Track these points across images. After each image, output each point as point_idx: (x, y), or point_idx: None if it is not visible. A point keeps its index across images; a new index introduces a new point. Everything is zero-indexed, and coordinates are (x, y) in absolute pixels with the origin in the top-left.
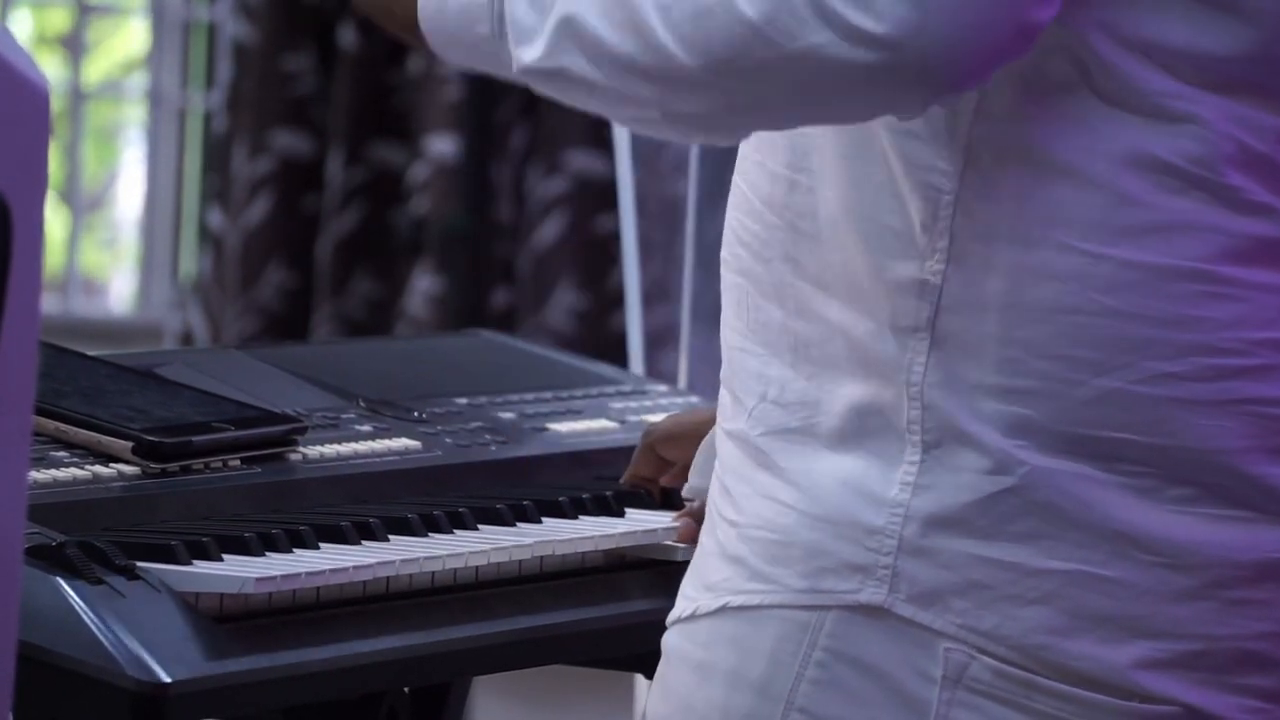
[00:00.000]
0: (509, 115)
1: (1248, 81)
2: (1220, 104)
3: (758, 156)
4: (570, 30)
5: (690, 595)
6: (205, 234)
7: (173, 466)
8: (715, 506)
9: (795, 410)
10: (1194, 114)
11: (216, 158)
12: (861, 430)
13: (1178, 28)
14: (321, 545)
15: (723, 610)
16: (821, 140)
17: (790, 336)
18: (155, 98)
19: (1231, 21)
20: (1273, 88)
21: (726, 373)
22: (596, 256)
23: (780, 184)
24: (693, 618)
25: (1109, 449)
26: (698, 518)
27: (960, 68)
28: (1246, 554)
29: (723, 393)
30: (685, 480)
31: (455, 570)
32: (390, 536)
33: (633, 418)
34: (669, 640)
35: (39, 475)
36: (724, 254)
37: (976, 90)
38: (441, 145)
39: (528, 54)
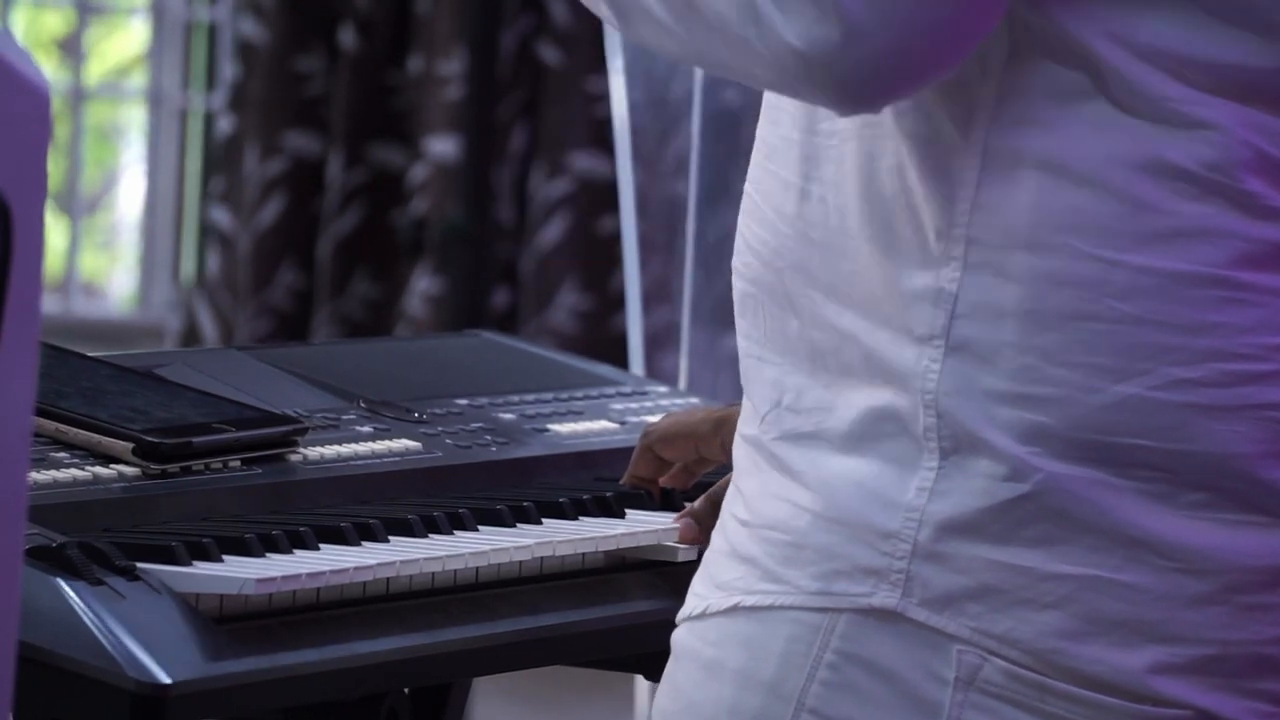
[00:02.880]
0: (509, 116)
1: (1263, 88)
2: (1237, 110)
3: (770, 165)
4: None
5: (701, 593)
6: (213, 235)
7: (173, 467)
8: (728, 507)
9: (811, 415)
10: (1211, 120)
11: (225, 159)
12: (877, 435)
13: (1190, 37)
14: (322, 546)
15: (734, 610)
16: (835, 150)
17: (805, 344)
18: (156, 98)
19: (1239, 31)
20: None
21: (744, 380)
22: (599, 258)
23: (793, 193)
24: (703, 616)
25: (1125, 455)
26: (698, 519)
27: (886, 85)
28: (1261, 559)
29: (744, 399)
30: (684, 481)
31: (455, 571)
32: (390, 537)
33: (633, 419)
34: (678, 637)
35: (39, 476)
36: (735, 262)
37: (992, 98)
38: (442, 146)
39: None
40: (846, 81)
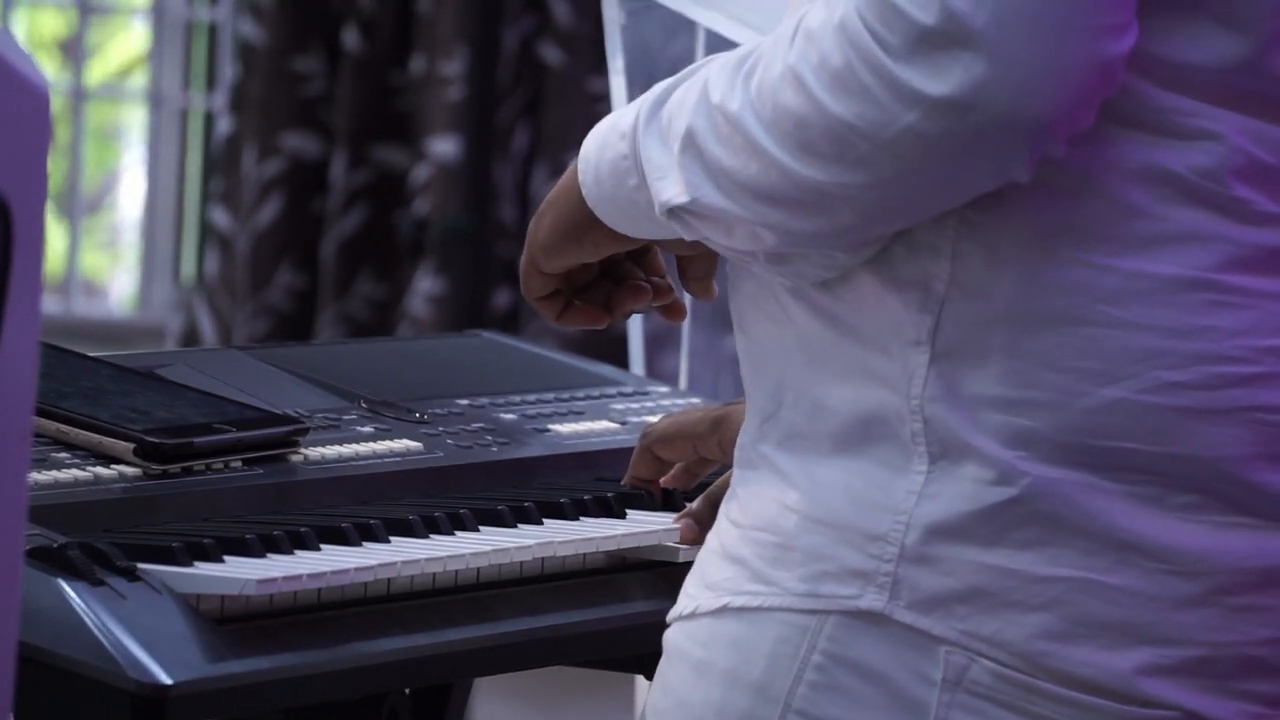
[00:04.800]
0: (511, 116)
1: (1251, 93)
2: (1232, 118)
3: None
4: (693, 150)
5: (692, 593)
6: (212, 235)
7: (174, 468)
8: (724, 507)
9: (802, 418)
10: (1209, 130)
11: (224, 159)
12: (866, 439)
13: (1185, 45)
14: (323, 546)
15: (723, 610)
16: None
17: (797, 350)
18: (156, 99)
19: (1234, 35)
20: (1274, 98)
21: (745, 383)
22: None
23: None
24: (693, 616)
25: (1113, 458)
26: (698, 519)
27: (1044, 115)
28: (1251, 561)
29: (747, 402)
30: (684, 481)
31: (456, 571)
32: (391, 537)
33: (634, 419)
34: (669, 637)
35: (40, 476)
36: (729, 269)
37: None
38: (444, 146)
39: (665, 191)
40: (1008, 118)
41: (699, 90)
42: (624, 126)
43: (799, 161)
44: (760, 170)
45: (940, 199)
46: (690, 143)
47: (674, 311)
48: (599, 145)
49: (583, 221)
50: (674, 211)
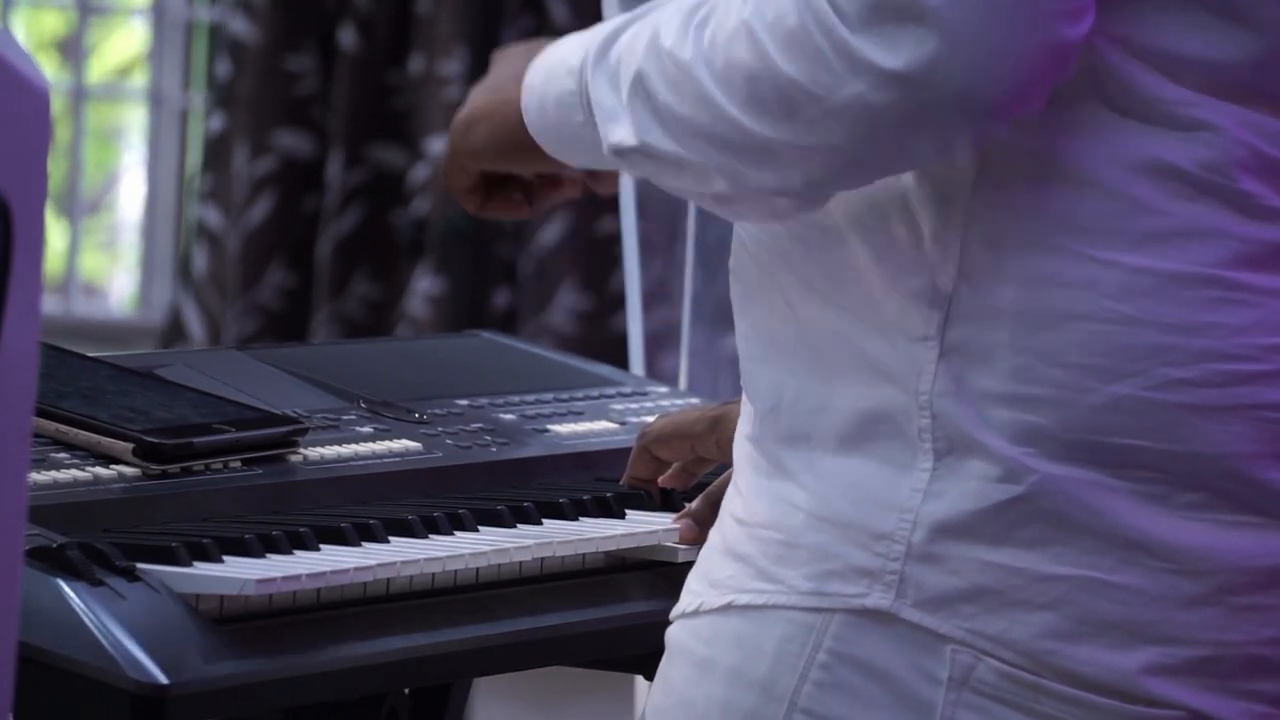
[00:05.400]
0: None
1: (1257, 88)
2: (1234, 111)
3: None
4: (643, 95)
5: (695, 590)
6: (201, 233)
7: (173, 468)
8: (726, 504)
9: (807, 416)
10: (1208, 121)
11: (214, 157)
12: (872, 436)
13: (1185, 36)
14: (322, 546)
15: (727, 608)
16: None
17: (802, 346)
18: (156, 99)
19: (1237, 29)
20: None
21: (743, 381)
22: (598, 258)
23: None
24: (696, 613)
25: (1119, 455)
26: (697, 519)
27: (993, 95)
28: (1256, 560)
29: (744, 400)
30: (684, 481)
31: (455, 572)
32: (390, 538)
33: (633, 419)
34: (672, 634)
35: (39, 476)
36: (732, 264)
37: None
38: (442, 146)
39: (614, 133)
40: (957, 95)
41: (649, 34)
42: (572, 62)
43: (747, 116)
44: (711, 120)
45: (885, 166)
46: (639, 86)
47: (603, 184)
48: (545, 78)
49: (521, 143)
50: (622, 152)
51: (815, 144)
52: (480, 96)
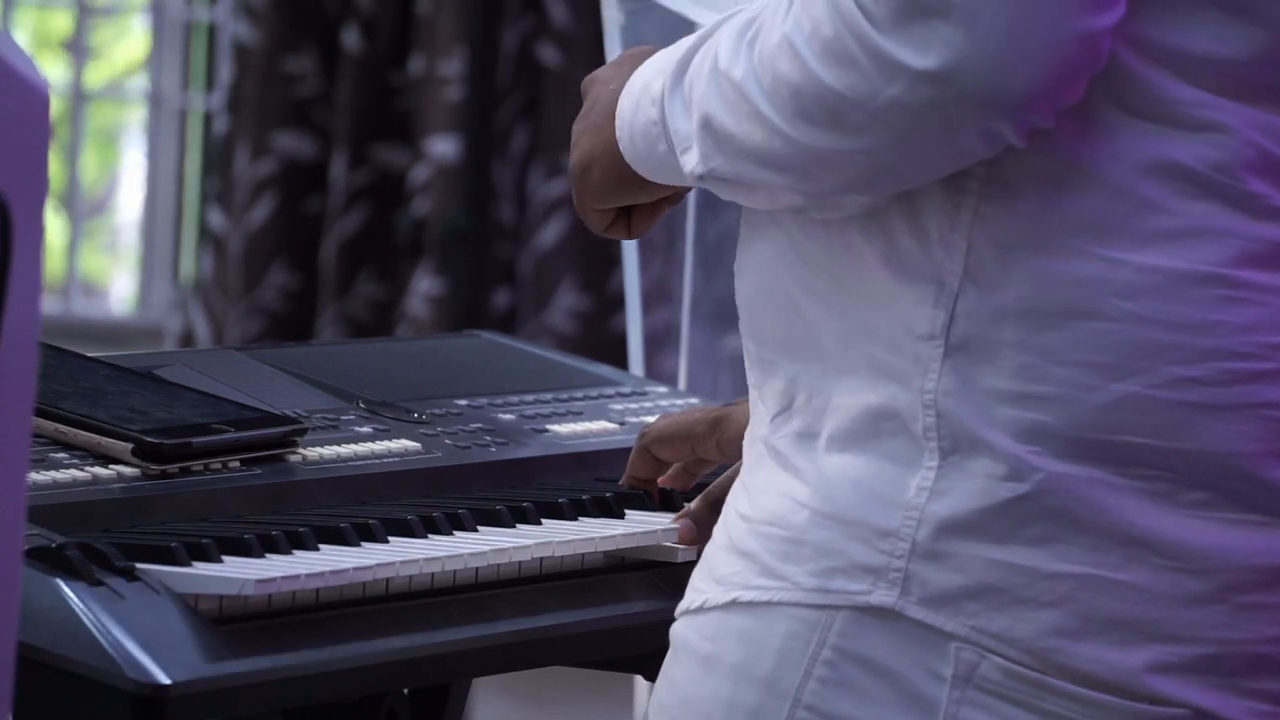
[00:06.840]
0: (510, 117)
1: (1267, 85)
2: (1242, 111)
3: None
4: (709, 129)
5: (700, 587)
6: (205, 235)
7: (172, 468)
8: (732, 501)
9: (813, 414)
10: (1218, 122)
11: (217, 159)
12: (877, 434)
13: (1195, 33)
14: (321, 547)
15: (732, 605)
16: None
17: (809, 345)
18: (156, 99)
19: (1246, 25)
20: None
21: (754, 382)
22: (598, 258)
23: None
24: (701, 610)
25: (1124, 454)
26: (696, 519)
27: (1025, 89)
28: (1260, 558)
29: (754, 401)
30: (682, 481)
31: (455, 572)
32: (390, 538)
33: (633, 419)
34: (676, 631)
35: (38, 476)
36: (736, 265)
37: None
38: (443, 147)
39: (688, 162)
40: (988, 90)
41: (713, 56)
42: (654, 91)
43: (796, 129)
44: (764, 137)
45: (939, 164)
46: (704, 112)
47: None
48: (633, 107)
49: (630, 176)
50: (698, 179)
51: (865, 148)
52: (586, 138)
